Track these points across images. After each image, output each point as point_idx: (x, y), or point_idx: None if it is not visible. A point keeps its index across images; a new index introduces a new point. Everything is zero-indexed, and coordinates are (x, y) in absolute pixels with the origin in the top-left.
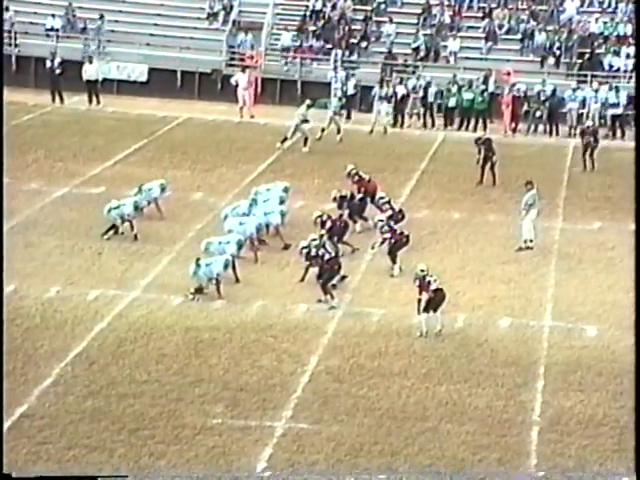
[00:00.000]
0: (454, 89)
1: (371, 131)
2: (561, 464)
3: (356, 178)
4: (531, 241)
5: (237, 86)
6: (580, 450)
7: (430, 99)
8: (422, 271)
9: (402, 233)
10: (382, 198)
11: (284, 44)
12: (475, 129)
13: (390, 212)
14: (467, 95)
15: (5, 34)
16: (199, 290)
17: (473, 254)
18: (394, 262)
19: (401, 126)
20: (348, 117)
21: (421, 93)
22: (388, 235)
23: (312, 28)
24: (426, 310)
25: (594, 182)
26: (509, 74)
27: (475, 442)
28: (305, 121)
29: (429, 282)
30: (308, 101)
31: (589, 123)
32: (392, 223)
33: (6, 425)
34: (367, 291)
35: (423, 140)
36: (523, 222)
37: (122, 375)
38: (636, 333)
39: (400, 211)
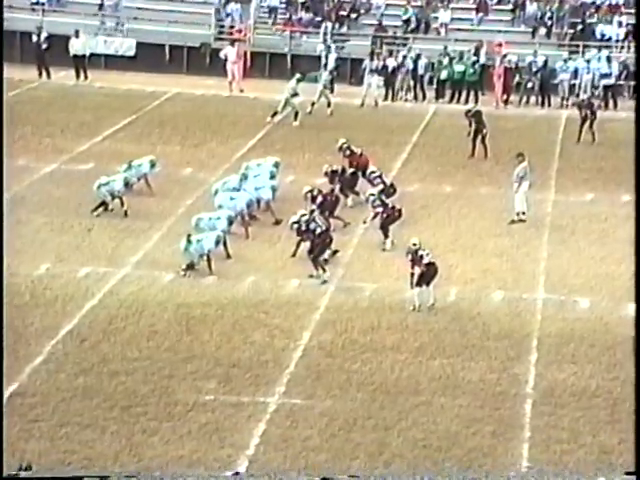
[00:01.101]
0: (445, 61)
1: (362, 104)
2: (555, 436)
3: (347, 152)
4: (524, 214)
5: (226, 60)
6: (573, 422)
7: (421, 71)
8: (414, 245)
9: (394, 207)
10: (373, 172)
11: (270, 4)
12: (467, 101)
13: (382, 186)
14: (458, 67)
15: None
16: (190, 266)
17: (465, 227)
18: (386, 236)
19: (392, 99)
20: (332, 90)
21: (412, 65)
22: (380, 209)
23: (301, 0)
24: (419, 284)
25: (586, 154)
26: (500, 45)
27: (469, 415)
28: (295, 95)
29: (421, 256)
30: (298, 75)
31: (584, 96)
32: (384, 197)
33: None
34: (359, 266)
35: (414, 113)
36: (515, 195)
37: (113, 352)
38: (636, 328)
39: (392, 185)
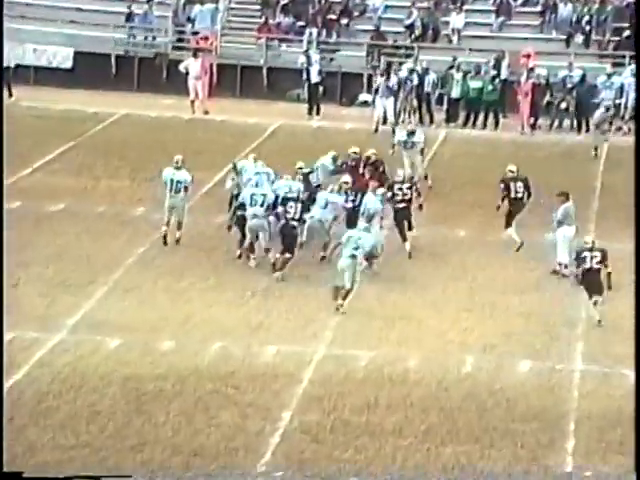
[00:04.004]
0: (458, 76)
1: (376, 130)
2: None
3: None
4: (566, 266)
5: (187, 74)
6: None
7: (428, 89)
8: (586, 243)
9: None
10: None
11: (242, 6)
12: (484, 125)
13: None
14: (474, 83)
15: None
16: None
17: (483, 281)
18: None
19: (396, 121)
20: (317, 112)
21: (416, 81)
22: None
23: (281, 1)
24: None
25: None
26: (527, 56)
27: None
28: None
29: (584, 258)
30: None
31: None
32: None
33: None
34: (352, 327)
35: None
36: (557, 242)
37: (44, 439)
38: (636, 338)
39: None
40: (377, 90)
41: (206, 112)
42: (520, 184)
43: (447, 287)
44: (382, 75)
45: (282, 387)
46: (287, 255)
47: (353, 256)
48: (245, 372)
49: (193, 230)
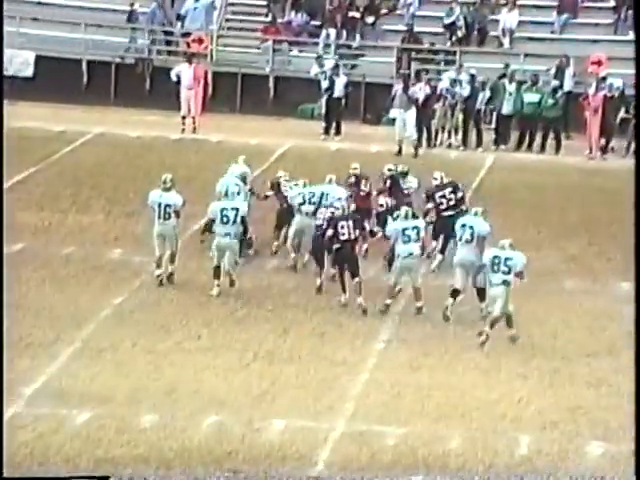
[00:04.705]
0: (510, 88)
1: (399, 152)
2: None
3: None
4: None
5: (179, 83)
6: None
7: (480, 105)
8: None
9: None
10: None
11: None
12: (542, 148)
13: None
14: (530, 97)
15: None
16: None
17: (541, 340)
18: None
19: (428, 143)
20: (337, 132)
21: (460, 93)
22: None
23: None
24: None
25: None
26: (597, 63)
27: None
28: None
29: None
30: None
31: None
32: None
33: None
34: (377, 397)
35: (462, 165)
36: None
37: None
38: (636, 300)
39: None
40: (393, 99)
41: (194, 129)
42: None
43: (495, 348)
44: (405, 85)
45: (291, 472)
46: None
47: (505, 282)
48: (245, 453)
49: (182, 275)
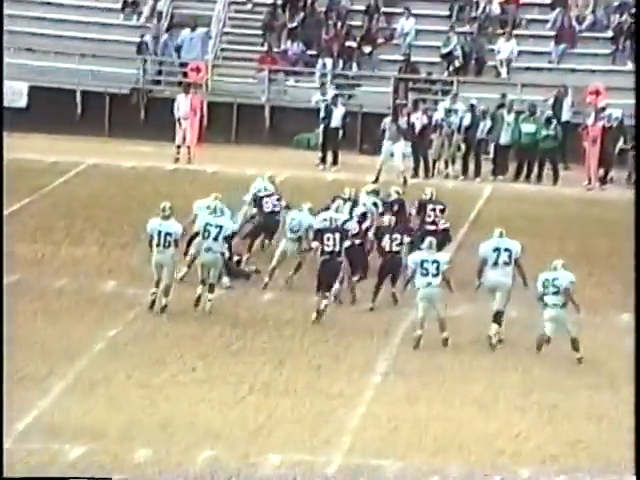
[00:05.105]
0: (509, 118)
1: (376, 179)
2: None
3: None
4: None
5: (177, 114)
6: None
7: (481, 135)
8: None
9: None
10: None
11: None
12: (539, 178)
13: None
14: (527, 127)
15: None
16: None
17: (541, 373)
18: None
19: (426, 174)
20: (334, 162)
21: (456, 122)
22: None
23: (288, 24)
24: None
25: None
26: (595, 93)
27: None
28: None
29: None
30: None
31: None
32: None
33: None
34: (375, 430)
35: (460, 195)
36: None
37: None
38: (636, 332)
39: None
40: (383, 132)
41: (188, 160)
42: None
43: (494, 380)
44: (394, 115)
45: None
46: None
47: (557, 304)
48: None
49: (177, 307)
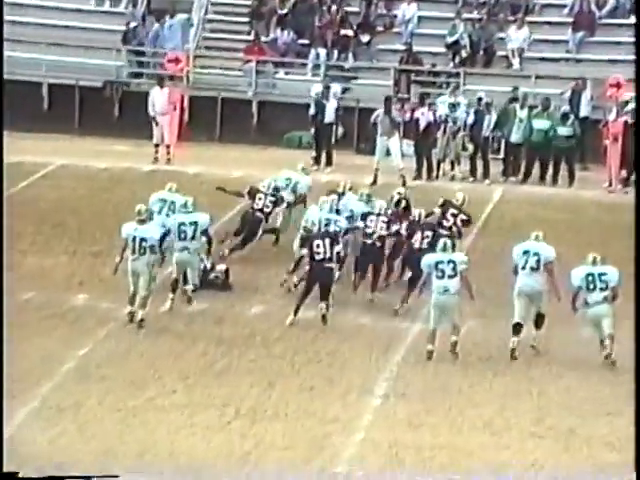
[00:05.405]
0: (522, 113)
1: (374, 182)
2: None
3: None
4: None
5: (152, 111)
6: None
7: (486, 132)
8: None
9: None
10: None
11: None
12: (554, 180)
13: None
14: (540, 123)
15: None
16: None
17: (556, 397)
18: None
19: (429, 175)
20: (328, 163)
21: (470, 118)
22: None
23: (277, 11)
24: None
25: None
26: (617, 86)
27: None
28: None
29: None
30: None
31: None
32: None
33: None
34: (374, 458)
35: (468, 199)
36: None
37: None
38: (636, 331)
39: None
40: (374, 125)
41: (168, 160)
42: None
43: (506, 405)
44: (387, 108)
45: None
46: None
47: (606, 299)
48: None
49: (155, 324)
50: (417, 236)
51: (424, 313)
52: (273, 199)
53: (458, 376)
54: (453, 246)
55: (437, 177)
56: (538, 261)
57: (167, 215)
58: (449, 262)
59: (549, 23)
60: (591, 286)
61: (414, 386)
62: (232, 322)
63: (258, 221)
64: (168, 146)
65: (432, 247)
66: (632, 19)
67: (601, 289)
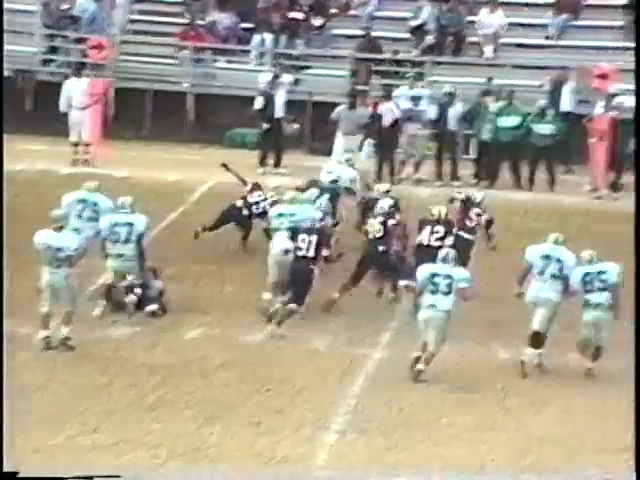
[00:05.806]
0: (493, 107)
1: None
2: None
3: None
4: None
5: (63, 105)
6: None
7: (452, 125)
8: None
9: None
10: None
11: None
12: (530, 182)
13: None
14: (507, 120)
15: None
16: None
17: (538, 429)
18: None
19: (392, 178)
20: (276, 164)
21: (433, 114)
22: None
23: None
24: None
25: None
26: (604, 77)
27: None
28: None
29: None
30: None
31: None
32: None
33: None
34: None
35: (437, 205)
36: None
37: None
38: (636, 330)
39: None
40: (335, 123)
41: (85, 160)
42: (440, 228)
43: (480, 439)
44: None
45: None
46: (293, 306)
47: (605, 302)
48: None
49: (79, 350)
50: (425, 231)
51: (384, 340)
52: (268, 204)
53: (425, 409)
54: (462, 260)
55: (400, 181)
56: (561, 269)
57: (90, 219)
58: (446, 277)
59: (527, 4)
60: (590, 287)
61: (374, 420)
62: (166, 348)
63: (247, 216)
64: (89, 145)
65: (453, 246)
66: (621, 0)
67: (601, 289)
